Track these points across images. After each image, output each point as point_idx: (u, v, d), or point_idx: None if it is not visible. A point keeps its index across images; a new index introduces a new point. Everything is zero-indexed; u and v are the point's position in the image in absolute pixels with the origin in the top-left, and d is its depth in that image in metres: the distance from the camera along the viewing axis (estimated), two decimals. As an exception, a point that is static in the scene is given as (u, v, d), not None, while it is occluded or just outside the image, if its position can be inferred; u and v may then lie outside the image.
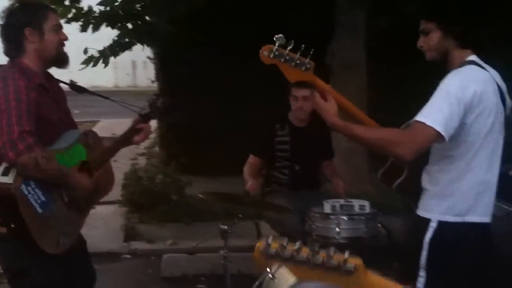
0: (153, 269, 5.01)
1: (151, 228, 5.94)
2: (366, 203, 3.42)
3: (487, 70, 2.39)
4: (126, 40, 5.70)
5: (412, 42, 2.55)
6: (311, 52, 2.38)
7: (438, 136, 2.23)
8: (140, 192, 6.43)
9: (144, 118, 2.88)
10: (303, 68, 2.37)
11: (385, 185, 2.78)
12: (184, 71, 7.57)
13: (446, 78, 2.33)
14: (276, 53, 2.35)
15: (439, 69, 2.46)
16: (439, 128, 2.21)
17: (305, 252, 1.11)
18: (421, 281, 2.38)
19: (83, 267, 2.86)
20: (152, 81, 8.97)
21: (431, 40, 2.44)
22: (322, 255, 1.08)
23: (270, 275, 3.15)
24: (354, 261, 1.09)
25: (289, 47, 2.35)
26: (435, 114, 2.24)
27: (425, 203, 2.44)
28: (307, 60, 2.37)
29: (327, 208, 3.40)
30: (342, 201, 3.48)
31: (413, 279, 2.45)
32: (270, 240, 1.11)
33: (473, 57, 2.41)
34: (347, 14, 7.09)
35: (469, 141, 2.31)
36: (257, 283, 3.78)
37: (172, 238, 5.59)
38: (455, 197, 2.35)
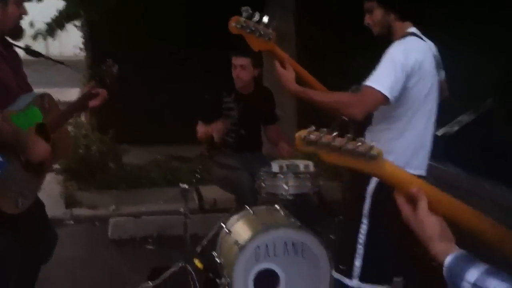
0: (100, 233, 5.15)
1: (91, 195, 6.03)
2: (310, 163, 3.73)
3: (425, 41, 2.69)
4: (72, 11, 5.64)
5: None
6: (274, 24, 2.61)
7: (385, 99, 2.50)
8: (77, 160, 6.47)
9: (101, 83, 3.00)
10: (266, 38, 2.61)
11: None
12: (117, 39, 7.59)
13: (390, 48, 2.59)
14: (244, 24, 2.57)
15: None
16: (386, 92, 2.48)
17: (339, 140, 1.24)
18: (364, 228, 2.66)
19: (43, 229, 2.95)
20: (80, 49, 8.88)
21: (375, 17, 2.73)
22: (353, 143, 1.24)
23: (226, 230, 3.46)
24: (377, 149, 1.25)
25: (254, 19, 2.57)
26: (382, 79, 2.49)
27: None
28: (270, 30, 2.61)
29: (275, 167, 3.68)
30: (287, 162, 3.79)
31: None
32: (311, 129, 1.25)
33: (413, 29, 2.70)
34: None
35: (409, 103, 2.60)
36: (211, 233, 4.08)
37: (114, 204, 5.73)
38: (395, 152, 2.60)
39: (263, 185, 3.68)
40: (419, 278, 2.99)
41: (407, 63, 2.53)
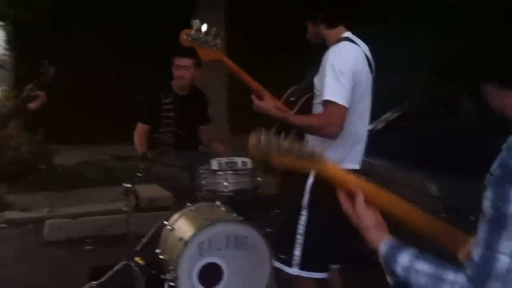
0: (35, 235, 5.10)
1: (24, 197, 5.94)
2: (247, 160, 3.89)
3: (358, 44, 2.84)
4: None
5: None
6: (222, 34, 2.76)
7: (346, 110, 2.64)
8: (6, 162, 6.31)
9: (39, 85, 3.02)
10: (215, 48, 2.75)
11: None
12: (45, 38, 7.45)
13: (329, 57, 2.69)
14: (194, 37, 2.72)
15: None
16: (346, 103, 2.63)
17: (287, 145, 1.39)
18: (303, 219, 2.82)
19: None
20: (5, 49, 8.64)
21: (308, 29, 2.89)
22: (298, 146, 1.39)
23: (169, 227, 3.56)
24: (319, 151, 1.41)
25: (204, 30, 2.72)
26: (340, 91, 2.61)
27: None
28: (217, 41, 2.76)
29: (214, 165, 3.81)
30: (225, 159, 3.93)
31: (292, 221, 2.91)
32: (261, 137, 1.39)
33: (346, 34, 2.84)
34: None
35: (350, 102, 2.69)
36: (151, 231, 4.16)
37: (48, 205, 5.66)
38: (332, 148, 2.74)
39: (203, 182, 3.80)
40: (354, 265, 3.20)
41: (347, 69, 2.67)
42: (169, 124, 4.31)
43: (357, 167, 2.88)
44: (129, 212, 3.73)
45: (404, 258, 1.37)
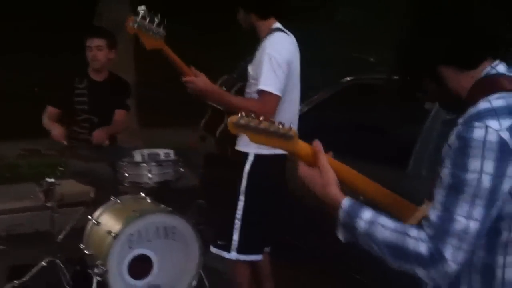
0: None
1: None
2: (170, 151, 3.90)
3: (289, 35, 2.95)
4: None
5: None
6: (165, 22, 2.76)
7: (279, 99, 2.78)
8: None
9: None
10: (158, 37, 2.76)
11: (209, 135, 3.20)
12: None
13: (265, 48, 2.80)
14: (140, 24, 2.71)
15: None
16: (279, 92, 2.76)
17: (264, 123, 1.45)
18: (240, 204, 2.93)
19: None
20: None
21: (239, 16, 2.98)
22: (275, 125, 1.46)
23: (94, 221, 3.51)
24: (294, 131, 1.47)
25: (148, 18, 2.72)
26: (274, 81, 2.75)
27: (243, 139, 2.84)
28: (161, 29, 2.76)
29: (137, 157, 3.80)
30: (147, 151, 3.91)
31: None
32: (241, 115, 1.46)
33: (277, 25, 2.95)
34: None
35: (283, 90, 2.84)
36: (67, 229, 4.05)
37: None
38: None
39: (126, 174, 3.77)
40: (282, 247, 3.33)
41: (283, 59, 2.79)
42: (83, 111, 4.17)
43: None
44: (53, 208, 3.62)
45: (368, 213, 1.43)
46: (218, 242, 3.00)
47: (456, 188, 1.31)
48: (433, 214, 1.35)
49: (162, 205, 3.45)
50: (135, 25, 2.73)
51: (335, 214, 1.49)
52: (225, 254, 2.96)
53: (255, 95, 2.84)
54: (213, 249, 3.03)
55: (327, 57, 8.20)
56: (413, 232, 1.36)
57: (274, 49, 2.79)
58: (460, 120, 1.36)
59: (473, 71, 1.43)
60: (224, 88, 3.01)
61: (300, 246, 3.87)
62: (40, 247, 4.14)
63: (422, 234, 1.35)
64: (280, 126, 1.46)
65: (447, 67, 1.45)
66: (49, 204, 3.65)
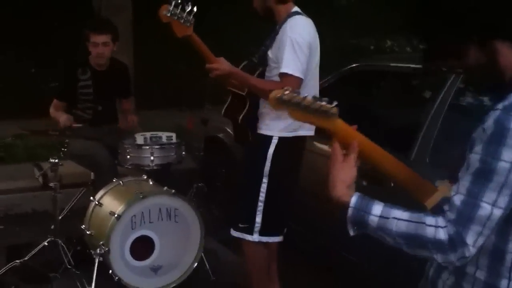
0: None
1: None
2: (172, 134, 3.91)
3: (308, 18, 2.92)
4: None
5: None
6: (195, 10, 2.75)
7: (301, 81, 2.76)
8: None
9: None
10: (188, 25, 2.74)
11: (230, 120, 3.15)
12: None
13: (287, 31, 2.77)
14: (172, 12, 2.71)
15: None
16: (301, 75, 2.75)
17: (307, 100, 1.44)
18: (264, 186, 2.90)
19: None
20: None
21: (256, 3, 2.94)
22: (318, 103, 1.44)
23: (96, 202, 3.52)
24: (335, 109, 1.44)
25: (180, 6, 2.71)
26: (296, 64, 2.73)
27: (266, 123, 2.92)
28: (191, 17, 2.75)
29: (140, 140, 3.79)
30: (149, 134, 3.91)
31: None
32: (285, 91, 1.45)
33: (295, 8, 2.92)
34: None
35: (306, 75, 2.82)
36: (66, 209, 4.05)
37: None
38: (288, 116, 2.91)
39: (128, 157, 3.77)
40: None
41: (305, 42, 2.79)
42: (88, 101, 4.17)
43: (312, 133, 2.99)
44: (56, 188, 3.61)
45: (378, 208, 1.43)
46: (240, 225, 2.97)
47: (485, 175, 1.31)
48: (457, 199, 1.35)
49: (165, 187, 3.45)
50: (168, 14, 2.72)
51: (343, 210, 1.49)
52: (248, 237, 2.95)
53: (276, 79, 2.83)
54: (235, 233, 3.00)
55: (325, 45, 8.16)
56: (430, 220, 1.36)
57: (295, 32, 2.78)
58: (500, 106, 1.33)
59: None
60: None
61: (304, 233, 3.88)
62: (39, 227, 4.16)
63: (440, 220, 1.35)
64: (323, 103, 1.44)
65: (504, 42, 1.40)
66: (51, 184, 3.64)
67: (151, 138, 3.85)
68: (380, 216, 1.42)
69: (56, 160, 3.53)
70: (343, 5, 9.85)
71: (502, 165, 1.30)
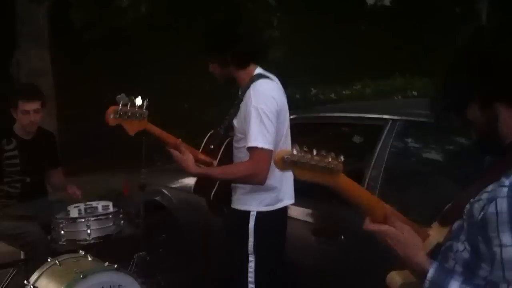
0: None
1: None
2: (109, 203, 3.71)
3: (271, 78, 2.74)
4: None
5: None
6: (147, 102, 2.62)
7: (271, 153, 2.56)
8: None
9: None
10: (141, 118, 2.60)
11: (203, 197, 2.94)
12: None
13: (252, 100, 2.60)
14: (121, 113, 2.55)
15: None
16: (270, 147, 2.56)
17: (316, 159, 1.38)
18: (251, 265, 2.68)
19: None
20: None
21: (214, 69, 2.78)
22: (326, 160, 1.38)
23: (31, 286, 3.23)
24: (341, 165, 1.40)
25: (129, 104, 2.56)
26: (264, 136, 2.55)
27: (240, 198, 2.74)
28: (143, 110, 2.61)
29: (73, 212, 3.57)
30: (83, 205, 3.69)
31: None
32: (294, 151, 1.39)
33: (258, 70, 2.73)
34: (28, 23, 7.05)
35: (275, 142, 2.63)
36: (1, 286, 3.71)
37: None
38: (268, 191, 2.69)
39: (62, 232, 3.53)
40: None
41: (272, 110, 2.60)
42: (14, 172, 3.92)
43: (292, 201, 2.87)
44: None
45: (454, 285, 1.37)
46: None
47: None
48: None
49: (107, 263, 3.23)
50: (116, 116, 2.56)
51: (419, 279, 1.44)
52: None
53: (244, 150, 2.66)
54: None
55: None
56: None
57: (260, 101, 2.60)
58: (506, 182, 1.30)
59: None
60: (212, 146, 2.83)
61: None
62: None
63: None
64: (330, 160, 1.38)
65: (508, 106, 1.38)
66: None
67: (85, 209, 3.64)
68: None
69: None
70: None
71: None
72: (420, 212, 1.56)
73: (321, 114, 3.64)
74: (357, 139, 4.07)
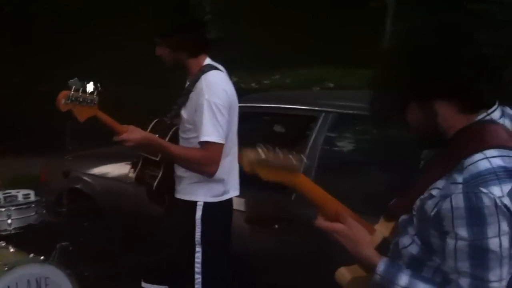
0: None
1: None
2: (30, 192, 3.52)
3: (220, 70, 2.74)
4: None
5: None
6: (99, 87, 2.48)
7: (223, 146, 2.58)
8: None
9: None
10: (92, 105, 2.46)
11: (145, 185, 2.86)
12: None
13: (202, 92, 2.58)
14: (73, 98, 2.41)
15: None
16: (223, 141, 2.56)
17: (280, 157, 1.39)
18: (198, 256, 2.65)
19: None
20: None
21: (162, 52, 2.71)
22: (290, 157, 1.39)
23: None
24: (301, 162, 1.41)
25: (81, 89, 2.42)
26: (217, 130, 2.54)
27: (185, 187, 2.72)
28: (94, 96, 2.47)
29: (-8, 202, 3.36)
30: (1, 193, 3.48)
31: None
32: (262, 154, 1.39)
33: (208, 61, 2.72)
34: None
35: (227, 133, 2.64)
36: None
37: None
38: (215, 182, 2.68)
39: (-20, 222, 3.32)
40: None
41: (225, 104, 2.60)
42: None
43: (237, 193, 2.86)
44: None
45: (404, 279, 1.40)
46: None
47: (483, 257, 1.32)
48: (464, 283, 1.33)
49: (32, 254, 3.07)
50: (68, 101, 2.41)
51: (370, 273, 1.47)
52: None
53: (192, 141, 2.63)
54: None
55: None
56: None
57: (213, 94, 2.58)
58: (459, 179, 1.34)
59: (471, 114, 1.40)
60: (157, 135, 2.72)
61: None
62: None
63: None
64: (291, 157, 1.39)
65: (447, 104, 1.40)
66: None
67: (5, 198, 3.44)
68: (406, 287, 1.39)
69: None
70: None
71: (493, 241, 1.31)
72: (352, 201, 1.61)
73: (255, 104, 3.63)
74: (282, 129, 4.11)
